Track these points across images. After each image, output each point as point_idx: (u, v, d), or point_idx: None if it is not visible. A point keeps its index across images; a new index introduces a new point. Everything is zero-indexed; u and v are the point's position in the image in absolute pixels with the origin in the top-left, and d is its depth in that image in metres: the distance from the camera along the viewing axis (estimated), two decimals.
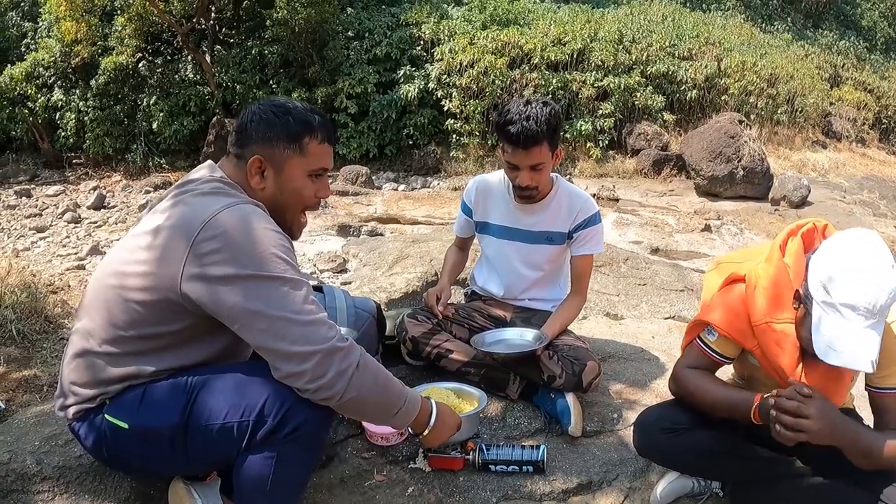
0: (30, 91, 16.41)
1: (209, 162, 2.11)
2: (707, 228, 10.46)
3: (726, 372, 2.56)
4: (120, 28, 16.45)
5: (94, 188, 14.18)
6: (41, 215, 12.20)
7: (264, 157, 2.04)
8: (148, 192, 13.66)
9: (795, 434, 1.96)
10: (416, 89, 15.23)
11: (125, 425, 1.96)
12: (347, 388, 1.89)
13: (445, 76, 15.30)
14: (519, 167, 2.94)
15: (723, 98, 15.84)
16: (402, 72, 15.56)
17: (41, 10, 17.50)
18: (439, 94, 15.33)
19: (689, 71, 15.71)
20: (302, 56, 16.14)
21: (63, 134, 16.43)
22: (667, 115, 15.33)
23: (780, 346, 2.14)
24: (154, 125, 15.67)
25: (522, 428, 2.90)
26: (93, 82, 16.00)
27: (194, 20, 16.74)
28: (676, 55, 16.30)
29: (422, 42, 16.12)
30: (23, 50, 17.81)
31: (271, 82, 16.41)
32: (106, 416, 1.99)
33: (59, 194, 13.82)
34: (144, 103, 15.93)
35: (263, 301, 1.84)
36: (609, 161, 14.81)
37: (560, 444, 2.83)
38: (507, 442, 2.77)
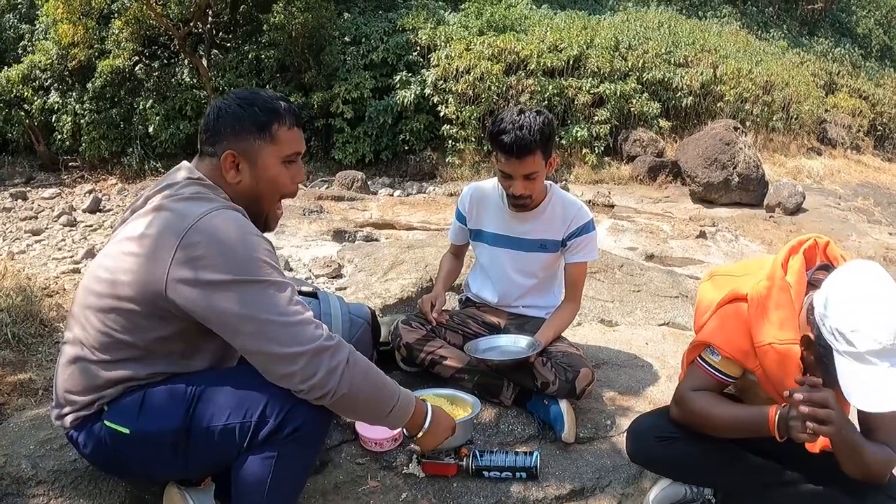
0: (26, 93, 16.38)
1: (185, 163, 2.11)
2: (702, 235, 10.47)
3: None
4: (117, 31, 16.43)
5: (90, 191, 14.15)
6: (37, 218, 12.18)
7: (237, 151, 2.04)
8: None
9: (822, 428, 1.91)
10: (413, 95, 15.23)
11: (126, 431, 1.97)
12: (339, 384, 1.91)
13: (442, 82, 15.31)
14: (512, 176, 2.95)
15: (718, 105, 15.88)
16: (398, 77, 15.56)
17: (38, 12, 17.48)
18: (435, 99, 15.33)
19: (685, 78, 15.74)
20: (298, 61, 16.14)
21: (59, 137, 16.40)
22: (662, 122, 15.35)
23: (783, 367, 2.11)
24: (150, 129, 15.65)
25: (516, 434, 2.91)
26: (89, 85, 15.98)
27: (191, 24, 16.74)
28: (672, 62, 16.33)
29: (418, 48, 16.13)
30: (19, 52, 17.77)
31: (267, 87, 16.38)
32: (106, 422, 2.00)
33: (54, 197, 13.80)
34: (141, 107, 15.90)
35: (249, 305, 1.86)
36: (605, 167, 14.82)
37: (553, 451, 2.84)
38: (501, 448, 2.78)
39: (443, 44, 15.86)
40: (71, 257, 9.57)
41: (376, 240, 9.24)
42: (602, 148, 14.96)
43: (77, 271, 8.67)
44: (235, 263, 1.86)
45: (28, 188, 14.72)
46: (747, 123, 15.64)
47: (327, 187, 13.50)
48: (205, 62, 16.53)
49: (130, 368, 1.99)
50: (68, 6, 14.96)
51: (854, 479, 2.06)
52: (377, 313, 3.40)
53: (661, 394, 3.27)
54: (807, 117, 17.00)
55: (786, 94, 16.73)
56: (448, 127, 15.12)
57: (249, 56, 16.41)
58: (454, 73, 15.18)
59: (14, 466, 2.33)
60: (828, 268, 2.23)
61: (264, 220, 2.18)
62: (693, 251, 9.74)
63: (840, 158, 17.13)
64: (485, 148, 14.71)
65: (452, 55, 15.37)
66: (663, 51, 16.33)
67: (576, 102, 15.17)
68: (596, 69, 15.43)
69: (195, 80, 16.41)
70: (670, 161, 14.14)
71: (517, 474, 2.62)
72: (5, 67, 16.71)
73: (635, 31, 17.22)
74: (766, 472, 2.31)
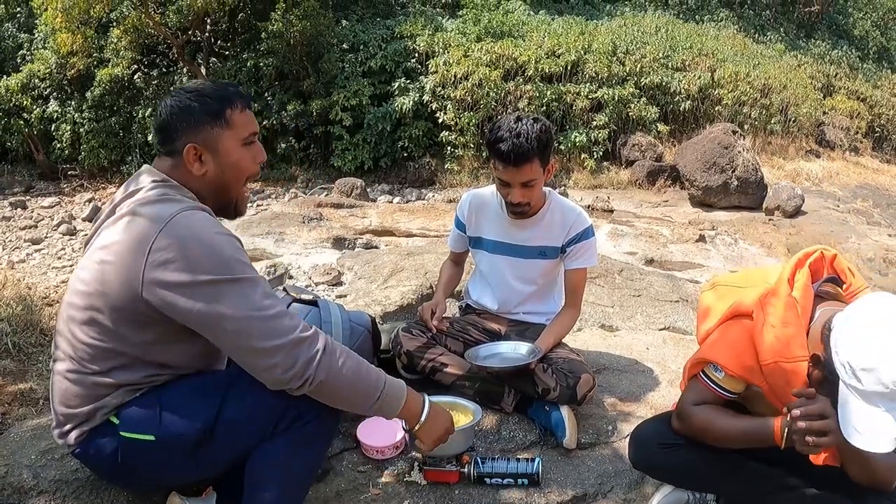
0: (25, 102, 16.42)
1: (146, 166, 2.12)
2: (702, 239, 10.46)
3: None
4: (115, 40, 16.47)
5: (90, 200, 14.17)
6: (36, 227, 12.20)
7: (197, 143, 2.05)
8: None
9: (822, 438, 1.91)
10: (411, 101, 15.25)
11: (151, 438, 1.99)
12: (316, 372, 1.94)
13: (440, 88, 15.33)
14: (510, 184, 2.95)
15: (716, 109, 15.90)
16: (396, 84, 15.58)
17: (37, 21, 17.51)
18: (434, 106, 15.35)
19: (683, 82, 15.77)
20: (297, 68, 16.15)
21: (58, 145, 16.43)
22: (661, 126, 15.37)
23: (790, 383, 2.08)
24: (149, 137, 15.62)
25: (517, 441, 2.91)
26: (88, 94, 16.01)
27: (190, 32, 16.78)
28: (670, 66, 16.37)
29: (416, 54, 16.15)
30: (18, 61, 17.81)
31: (266, 94, 16.42)
32: (122, 433, 2.01)
33: (54, 206, 13.83)
34: (140, 115, 15.92)
35: (225, 304, 1.88)
36: (603, 172, 14.84)
37: (555, 457, 2.84)
38: (503, 455, 2.78)
39: (441, 50, 15.89)
40: (71, 266, 9.58)
41: (376, 247, 9.23)
42: (601, 153, 14.97)
43: None
44: (208, 263, 1.88)
45: (27, 197, 14.75)
46: (745, 127, 15.66)
47: (326, 195, 13.49)
48: (203, 70, 16.56)
49: (123, 374, 2.00)
50: (67, 15, 14.97)
51: (859, 484, 2.05)
52: (377, 321, 3.40)
53: (662, 399, 3.27)
54: (805, 120, 17.02)
55: (784, 97, 16.75)
56: (447, 133, 15.14)
57: (248, 64, 16.44)
58: (452, 79, 15.20)
59: (15, 476, 2.33)
60: (835, 280, 2.22)
61: (235, 205, 2.21)
62: (693, 255, 9.74)
63: (839, 160, 17.14)
64: (484, 154, 14.71)
65: (451, 62, 15.39)
66: (661, 55, 16.37)
67: (574, 108, 15.19)
68: (594, 74, 15.45)
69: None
70: (669, 165, 14.15)
71: (519, 481, 2.62)
72: (4, 76, 16.76)
73: (633, 36, 17.25)
74: (770, 479, 2.30)
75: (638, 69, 15.80)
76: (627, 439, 2.60)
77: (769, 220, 11.91)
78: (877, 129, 20.15)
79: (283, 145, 16.03)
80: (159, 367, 2.04)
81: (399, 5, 19.43)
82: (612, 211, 12.48)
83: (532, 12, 18.80)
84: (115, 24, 16.60)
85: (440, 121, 15.22)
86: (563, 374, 2.89)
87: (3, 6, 18.60)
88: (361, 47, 16.24)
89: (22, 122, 16.38)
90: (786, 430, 2.01)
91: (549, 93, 15.13)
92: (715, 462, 2.31)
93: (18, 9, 18.89)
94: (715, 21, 22.33)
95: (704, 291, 2.51)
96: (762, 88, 16.63)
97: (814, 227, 11.27)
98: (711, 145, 12.78)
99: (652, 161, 14.46)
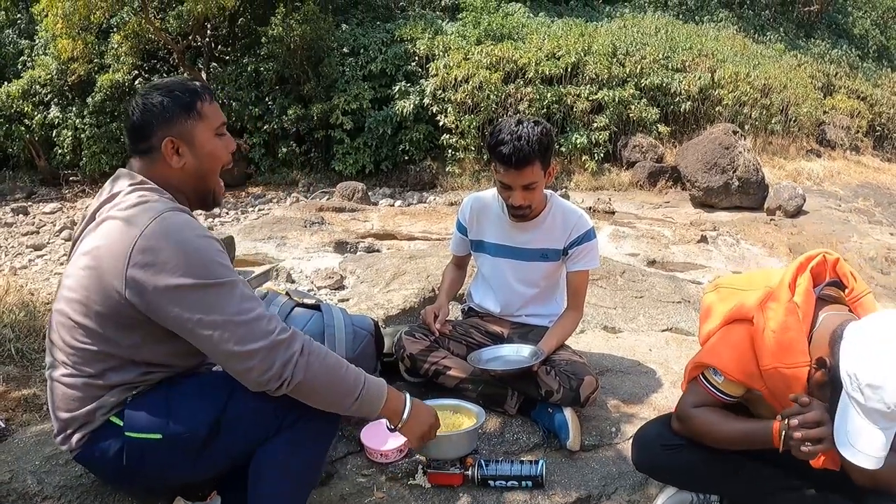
0: (26, 108, 16.45)
1: (122, 170, 2.15)
2: (703, 240, 10.47)
3: None
4: (116, 46, 16.52)
5: None
6: (38, 233, 12.21)
7: (174, 136, 2.08)
8: None
9: (818, 445, 1.91)
10: (412, 105, 15.29)
11: (158, 436, 2.01)
12: (294, 373, 1.95)
13: (440, 91, 15.37)
14: (511, 187, 2.96)
15: (717, 109, 15.92)
16: (397, 87, 15.62)
17: (38, 27, 17.56)
18: (434, 109, 15.39)
19: (683, 83, 15.79)
20: (297, 73, 16.18)
21: (60, 151, 16.47)
22: (661, 127, 15.39)
23: (790, 388, 2.07)
24: None
25: (521, 443, 2.91)
26: (89, 100, 16.04)
27: (190, 38, 16.81)
28: (670, 67, 16.40)
29: (417, 58, 16.19)
30: (19, 67, 17.87)
31: (267, 99, 16.46)
32: (128, 434, 2.02)
33: (55, 212, 13.84)
34: None
35: (204, 308, 1.90)
36: (605, 174, 14.86)
37: (559, 459, 2.84)
38: (506, 457, 2.78)
39: (441, 53, 15.93)
40: None
41: (378, 250, 9.24)
42: (601, 154, 15.00)
43: None
44: (188, 267, 1.89)
45: (29, 203, 14.76)
46: (746, 127, 15.67)
47: (328, 199, 13.52)
48: (204, 75, 16.59)
49: (116, 376, 2.02)
50: (67, 21, 15.01)
51: (861, 486, 2.05)
52: (380, 324, 3.40)
53: (665, 400, 3.27)
54: (805, 119, 17.03)
55: (784, 97, 16.77)
56: (447, 136, 15.17)
57: (248, 69, 16.47)
58: (453, 82, 15.24)
59: (20, 482, 2.33)
60: (837, 284, 2.22)
61: (213, 195, 2.24)
62: (695, 256, 9.74)
63: (839, 160, 17.15)
64: (484, 157, 14.73)
65: (451, 65, 15.43)
66: (661, 56, 16.40)
67: (574, 109, 15.22)
68: (594, 76, 15.49)
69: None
70: (670, 166, 14.17)
71: (523, 483, 2.61)
72: (5, 83, 16.81)
73: (632, 38, 17.28)
74: (772, 479, 2.30)
75: (638, 70, 15.83)
76: (631, 441, 2.60)
77: (770, 220, 11.92)
78: (877, 127, 20.15)
79: (285, 149, 16.06)
80: (151, 366, 2.06)
81: (399, 9, 19.48)
82: (613, 212, 12.51)
83: (532, 15, 18.84)
84: (115, 29, 16.65)
85: (441, 124, 15.26)
86: (567, 376, 2.89)
87: (3, 12, 18.64)
88: (362, 51, 16.28)
89: (23, 129, 16.41)
90: (783, 433, 2.02)
91: (549, 95, 15.16)
92: (717, 463, 2.31)
93: (19, 15, 18.96)
94: (714, 21, 22.35)
95: (707, 293, 2.51)
96: (762, 88, 16.66)
97: (815, 227, 11.27)
98: (712, 146, 12.80)
99: (653, 162, 14.48)
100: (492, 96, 14.95)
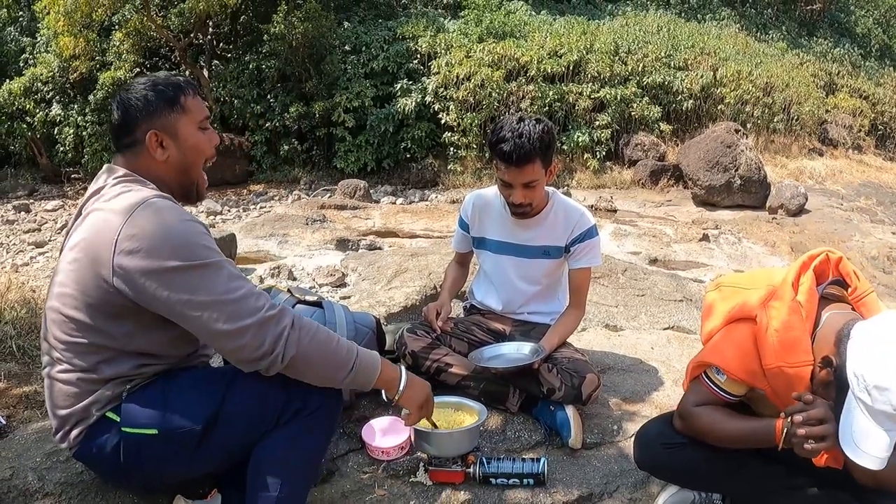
0: (28, 106, 16.46)
1: (106, 165, 2.17)
2: (705, 238, 10.46)
3: None
4: (118, 43, 16.52)
5: None
6: (40, 230, 12.21)
7: (158, 129, 2.10)
8: None
9: (821, 443, 1.90)
10: (414, 103, 15.28)
11: (154, 431, 2.02)
12: (286, 348, 1.97)
13: (442, 89, 15.36)
14: (512, 185, 2.95)
15: (719, 107, 15.91)
16: (399, 85, 15.61)
17: (39, 25, 17.57)
18: (436, 107, 15.39)
19: (685, 81, 15.77)
20: (299, 70, 16.18)
21: (61, 149, 16.47)
22: (663, 126, 15.38)
23: (793, 388, 2.06)
24: None
25: (523, 441, 2.91)
26: (91, 97, 16.04)
27: (192, 35, 16.81)
28: (672, 66, 16.38)
29: (419, 55, 16.18)
30: (21, 65, 17.88)
31: (269, 96, 16.45)
32: (124, 429, 2.02)
33: (57, 209, 13.84)
34: None
35: (192, 289, 1.91)
36: (606, 172, 14.85)
37: (560, 457, 2.83)
38: (508, 455, 2.77)
39: (443, 51, 15.92)
40: None
41: (379, 248, 9.24)
42: (603, 153, 14.99)
43: None
44: (173, 250, 1.90)
45: (31, 200, 14.77)
46: (748, 125, 15.67)
47: (330, 196, 13.51)
48: (206, 73, 16.59)
49: (109, 369, 2.03)
50: (69, 19, 15.02)
51: (863, 485, 2.04)
52: (382, 322, 3.40)
53: (667, 398, 3.26)
54: (807, 118, 17.02)
55: (786, 96, 16.76)
56: (449, 134, 15.17)
57: (250, 66, 16.47)
58: (455, 80, 15.23)
59: (20, 479, 2.33)
60: (841, 283, 2.21)
61: (196, 188, 2.25)
62: (696, 254, 9.74)
63: (842, 159, 17.14)
64: (486, 155, 14.74)
65: (453, 62, 15.42)
66: (663, 54, 16.38)
67: (576, 108, 15.21)
68: (596, 74, 15.48)
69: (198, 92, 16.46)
70: (672, 165, 14.17)
71: (524, 481, 2.61)
72: (7, 80, 16.80)
73: (634, 36, 17.27)
74: (775, 478, 2.29)
75: (640, 68, 15.82)
76: (632, 439, 2.59)
77: (772, 218, 11.91)
78: (879, 126, 20.15)
79: (286, 147, 16.06)
80: (144, 357, 2.07)
81: (401, 6, 19.48)
82: (615, 211, 12.50)
83: (534, 12, 18.82)
84: (117, 27, 16.65)
85: (443, 122, 15.26)
86: (568, 373, 2.88)
87: (5, 10, 18.65)
88: (363, 49, 16.27)
89: (25, 126, 16.43)
90: (785, 431, 2.01)
91: (551, 93, 15.16)
92: (719, 461, 2.31)
93: (21, 13, 18.96)
94: (717, 20, 22.33)
95: (709, 292, 2.50)
96: (764, 87, 16.65)
97: (817, 226, 11.26)
98: (714, 144, 12.79)
99: (655, 160, 14.47)
100: (494, 94, 14.94)
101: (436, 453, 2.62)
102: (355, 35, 16.73)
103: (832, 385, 1.95)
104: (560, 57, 15.67)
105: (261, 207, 13.70)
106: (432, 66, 15.71)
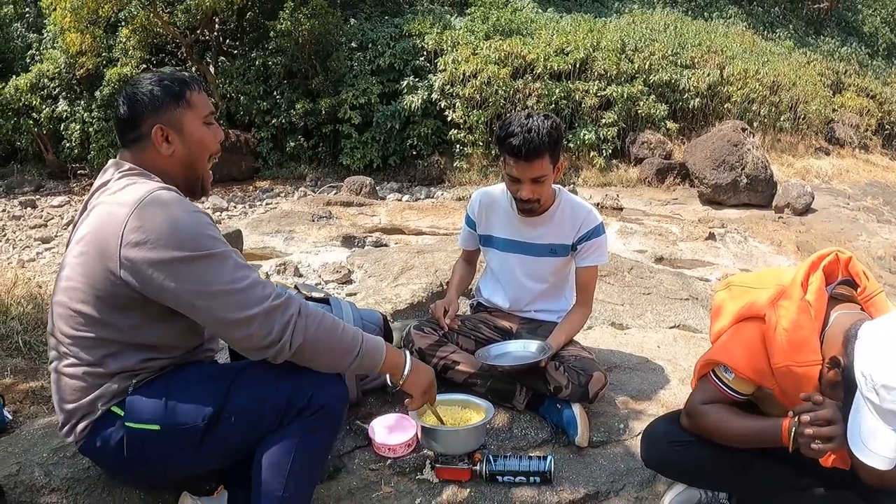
0: (34, 102, 16.49)
1: (112, 160, 2.17)
2: (711, 237, 10.45)
3: None
4: (124, 39, 16.54)
5: None
6: (46, 226, 12.24)
7: (163, 124, 2.11)
8: None
9: (828, 444, 1.90)
10: (420, 100, 15.27)
11: (156, 427, 2.02)
12: (293, 336, 1.99)
13: (449, 86, 15.35)
14: (520, 180, 2.94)
15: (725, 106, 15.88)
16: (405, 82, 15.60)
17: (46, 21, 17.59)
18: (443, 104, 15.38)
19: (692, 79, 15.74)
20: (305, 67, 16.19)
21: (68, 145, 16.51)
22: (670, 124, 15.35)
23: (801, 387, 2.06)
24: None
25: (529, 439, 2.90)
26: (97, 93, 16.07)
27: (198, 32, 16.83)
28: (679, 64, 16.34)
29: (425, 53, 16.17)
30: (28, 61, 17.91)
31: (275, 93, 16.46)
32: (127, 424, 2.03)
33: (63, 205, 13.87)
34: None
35: (199, 280, 1.93)
36: (613, 170, 14.83)
37: (567, 455, 2.83)
38: (514, 453, 2.77)
39: (449, 48, 15.91)
40: None
41: (385, 245, 9.24)
42: (610, 151, 14.97)
43: None
44: (179, 241, 1.91)
45: (37, 196, 14.81)
46: (755, 124, 15.64)
47: (336, 193, 13.52)
48: (212, 69, 16.60)
49: (115, 362, 2.04)
50: (76, 15, 15.04)
51: (869, 485, 2.04)
52: (388, 318, 3.40)
53: (673, 397, 3.26)
54: (814, 117, 16.98)
55: (793, 94, 16.73)
56: (456, 131, 15.16)
57: (256, 63, 16.48)
58: (461, 77, 15.22)
59: (27, 474, 2.33)
60: (850, 283, 2.20)
61: (202, 183, 2.26)
62: (702, 253, 9.72)
63: (848, 158, 17.10)
64: (493, 152, 14.74)
65: (459, 60, 15.40)
66: (669, 52, 16.35)
67: (583, 105, 15.19)
68: (602, 72, 15.45)
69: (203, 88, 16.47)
70: (678, 163, 14.14)
71: (531, 479, 2.61)
72: (13, 76, 16.83)
73: (641, 34, 17.24)
74: (782, 477, 2.29)
75: (647, 66, 15.79)
76: (639, 437, 2.59)
77: (779, 217, 11.89)
78: (886, 126, 20.08)
79: (292, 144, 16.08)
80: (150, 350, 2.07)
81: (407, 3, 19.49)
82: (621, 209, 12.48)
83: (540, 10, 18.80)
84: (123, 23, 16.67)
85: (449, 119, 15.25)
86: (575, 371, 2.88)
87: (11, 6, 18.68)
88: (370, 46, 16.27)
89: (31, 122, 16.46)
90: (793, 431, 2.00)
91: (557, 90, 15.14)
92: (726, 460, 2.30)
93: (27, 9, 18.99)
94: (724, 18, 22.28)
95: (718, 291, 2.49)
96: (771, 86, 16.61)
97: (824, 225, 11.24)
98: (721, 143, 12.77)
99: (661, 159, 14.45)
100: (500, 91, 14.93)
101: (442, 450, 2.63)
102: (362, 32, 16.73)
103: (840, 385, 1.94)
104: (566, 54, 15.65)
105: (267, 204, 13.71)
106: (439, 64, 15.70)
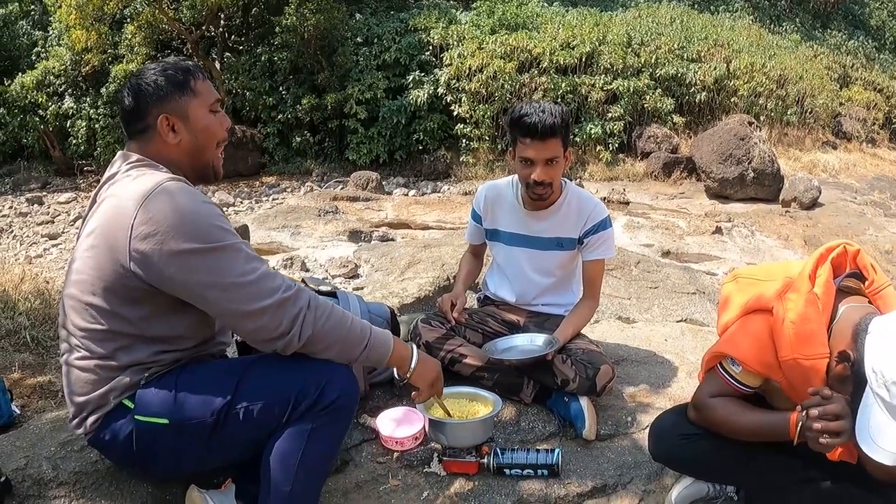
0: (41, 99, 16.53)
1: (120, 153, 2.17)
2: (718, 231, 10.43)
3: None
4: (130, 36, 16.56)
5: None
6: (53, 222, 12.27)
7: (168, 113, 2.11)
8: None
9: (836, 439, 1.89)
10: (426, 94, 15.28)
11: (165, 421, 2.03)
12: (303, 327, 2.00)
13: (455, 81, 15.35)
14: (534, 161, 2.93)
15: (732, 100, 15.84)
16: (411, 77, 15.60)
17: (51, 18, 17.62)
18: (449, 98, 15.38)
19: (698, 73, 15.71)
20: (311, 62, 16.19)
21: (74, 142, 16.54)
22: (676, 118, 15.33)
23: (808, 380, 2.04)
24: None
25: (537, 432, 2.90)
26: (103, 90, 16.10)
27: (203, 28, 16.83)
28: (685, 57, 16.30)
29: (431, 47, 16.17)
30: (33, 58, 17.95)
31: (281, 89, 16.47)
32: (137, 417, 2.03)
33: (70, 202, 13.90)
34: None
35: (210, 271, 1.93)
36: (619, 164, 14.81)
37: (574, 448, 2.82)
38: (522, 446, 2.77)
39: (455, 43, 15.90)
40: None
41: (392, 239, 9.25)
42: (616, 145, 14.96)
43: None
44: (189, 233, 1.91)
45: (44, 193, 14.84)
46: (761, 118, 15.60)
47: (342, 188, 13.53)
48: (218, 65, 16.62)
49: (127, 356, 2.04)
50: (81, 12, 15.06)
51: (877, 479, 2.03)
52: (395, 312, 3.40)
53: (681, 390, 3.25)
54: (821, 111, 16.94)
55: (800, 88, 16.68)
56: (462, 126, 15.16)
57: (262, 58, 16.49)
58: (467, 72, 15.21)
59: (35, 468, 2.33)
60: (858, 276, 2.19)
61: (213, 168, 2.26)
62: (709, 247, 9.71)
63: (855, 152, 17.05)
64: (499, 147, 14.74)
65: (465, 54, 15.40)
66: (676, 46, 16.31)
67: (589, 99, 15.18)
68: (609, 66, 15.44)
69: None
70: (685, 157, 14.12)
71: (538, 472, 2.61)
72: (19, 74, 16.86)
73: (647, 27, 17.20)
74: (789, 471, 2.28)
75: (653, 60, 15.76)
76: (647, 430, 2.58)
77: (786, 211, 11.86)
78: (894, 120, 20.03)
79: (298, 139, 16.09)
80: (161, 343, 2.07)
81: None
82: (627, 203, 12.48)
83: (546, 4, 18.78)
84: (128, 20, 16.69)
85: (455, 113, 15.25)
86: (583, 364, 2.87)
87: (17, 4, 18.70)
88: (375, 40, 16.27)
89: (37, 119, 16.50)
90: (800, 425, 2.00)
91: (563, 84, 15.12)
92: (734, 454, 2.29)
93: (33, 6, 19.03)
94: (730, 11, 22.23)
95: (726, 283, 2.48)
96: (778, 79, 16.57)
97: (831, 219, 11.21)
98: (727, 137, 12.74)
99: (667, 153, 14.43)
100: (506, 86, 14.92)
101: (450, 444, 2.63)
102: (367, 27, 16.73)
103: (849, 380, 1.93)
104: (573, 48, 15.63)
105: (273, 199, 13.72)
106: (444, 58, 15.70)
